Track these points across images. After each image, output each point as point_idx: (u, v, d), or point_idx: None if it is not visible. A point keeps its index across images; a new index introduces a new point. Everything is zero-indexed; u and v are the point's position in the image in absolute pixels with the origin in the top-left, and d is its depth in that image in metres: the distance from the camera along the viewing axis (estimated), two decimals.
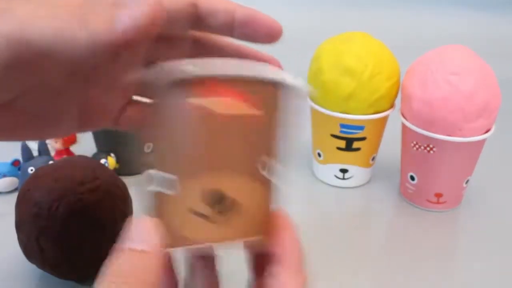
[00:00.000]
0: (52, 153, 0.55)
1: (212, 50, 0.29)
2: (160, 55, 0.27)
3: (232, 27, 0.26)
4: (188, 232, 0.24)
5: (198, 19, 0.26)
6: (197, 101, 0.23)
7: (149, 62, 0.27)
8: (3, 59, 0.20)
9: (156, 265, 0.22)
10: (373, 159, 0.56)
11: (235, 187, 0.24)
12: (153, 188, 0.24)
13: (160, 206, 0.24)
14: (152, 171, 0.24)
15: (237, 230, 0.25)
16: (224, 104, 0.23)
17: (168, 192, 0.23)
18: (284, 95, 0.25)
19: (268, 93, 0.24)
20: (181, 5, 0.25)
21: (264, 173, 0.26)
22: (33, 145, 0.59)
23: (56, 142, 0.54)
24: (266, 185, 0.26)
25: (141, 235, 0.23)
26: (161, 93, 0.23)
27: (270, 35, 0.27)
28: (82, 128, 0.28)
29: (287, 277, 0.24)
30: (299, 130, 0.26)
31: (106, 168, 0.40)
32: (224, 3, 0.26)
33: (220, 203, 0.24)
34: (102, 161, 0.52)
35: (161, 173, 0.23)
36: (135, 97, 0.29)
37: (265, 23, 0.27)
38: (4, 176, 0.52)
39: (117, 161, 0.54)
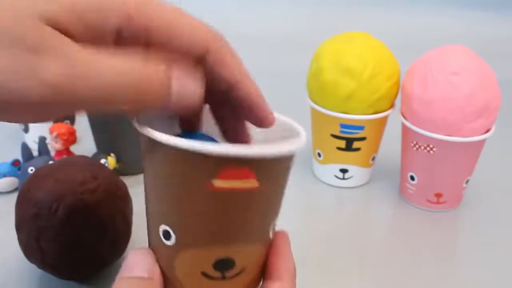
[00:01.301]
0: (52, 153, 0.55)
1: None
2: None
3: (229, 93, 0.26)
4: None
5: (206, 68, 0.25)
6: (217, 182, 0.23)
7: None
8: None
9: None
10: (373, 159, 0.56)
11: (246, 254, 0.25)
12: (170, 243, 0.25)
13: (171, 261, 0.25)
14: (167, 227, 0.25)
15: (242, 286, 0.26)
16: (241, 182, 0.23)
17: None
18: (292, 162, 0.26)
19: (282, 166, 0.25)
20: (188, 47, 0.24)
21: (271, 234, 0.27)
22: (33, 145, 0.59)
23: (56, 142, 0.54)
24: (269, 241, 0.27)
25: (139, 264, 0.24)
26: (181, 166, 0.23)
27: (258, 124, 0.27)
28: None
29: None
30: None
31: (106, 168, 0.40)
32: (231, 74, 0.25)
33: (231, 268, 0.25)
34: (102, 161, 0.52)
35: (175, 232, 0.24)
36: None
37: (260, 114, 0.26)
38: (4, 176, 0.52)
39: (117, 161, 0.54)
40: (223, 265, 0.25)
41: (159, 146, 0.23)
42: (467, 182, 0.52)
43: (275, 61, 0.95)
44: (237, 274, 0.25)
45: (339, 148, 0.54)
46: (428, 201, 0.52)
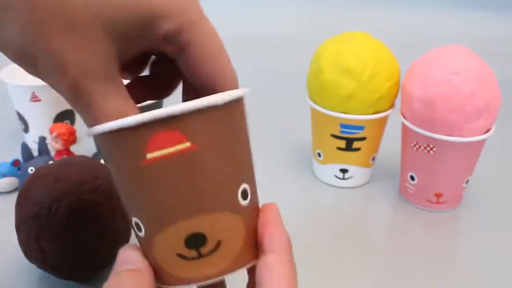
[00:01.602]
0: (52, 153, 0.55)
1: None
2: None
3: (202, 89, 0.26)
4: (181, 273, 0.24)
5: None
6: (150, 155, 0.22)
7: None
8: None
9: (148, 280, 0.24)
10: (373, 159, 0.56)
11: (216, 226, 0.24)
12: (141, 234, 0.24)
13: (150, 251, 0.25)
14: (136, 219, 0.24)
15: (228, 262, 0.24)
16: (172, 148, 0.22)
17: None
18: (238, 110, 0.24)
19: (215, 119, 0.23)
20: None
21: (246, 201, 0.25)
22: (33, 145, 0.59)
23: (56, 142, 0.54)
24: (248, 210, 0.25)
25: (129, 258, 0.25)
26: (113, 150, 0.23)
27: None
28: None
29: (279, 266, 0.24)
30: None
31: (106, 168, 0.40)
32: (207, 74, 0.25)
33: (203, 244, 0.24)
34: (102, 161, 0.52)
35: (142, 221, 0.24)
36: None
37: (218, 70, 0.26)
38: (4, 176, 0.52)
39: None
40: (194, 242, 0.23)
41: (99, 139, 0.24)
42: (467, 182, 0.52)
43: (275, 61, 0.95)
44: (214, 250, 0.24)
45: (339, 148, 0.54)
46: (428, 201, 0.52)
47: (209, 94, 0.25)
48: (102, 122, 0.23)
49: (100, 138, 0.24)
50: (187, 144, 0.22)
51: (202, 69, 0.25)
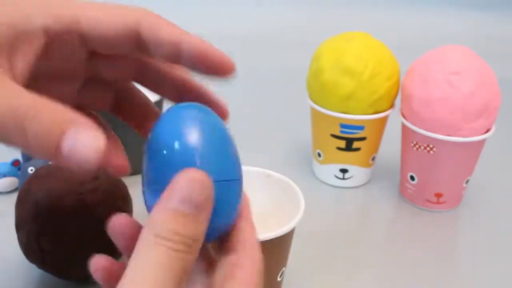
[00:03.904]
0: None
1: (157, 76, 0.28)
2: (100, 71, 0.27)
3: (178, 58, 0.25)
4: None
5: (141, 46, 0.24)
6: None
7: (88, 78, 0.27)
8: None
9: None
10: (373, 159, 0.56)
11: None
12: None
13: None
14: None
15: None
16: None
17: None
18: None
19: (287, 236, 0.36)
20: (121, 31, 0.24)
21: (280, 278, 0.37)
22: None
23: None
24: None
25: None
26: None
27: (220, 72, 0.25)
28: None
29: (246, 264, 0.24)
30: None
31: None
32: (169, 34, 0.24)
33: None
34: None
35: None
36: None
37: (215, 59, 0.25)
38: (4, 176, 0.52)
39: None
40: None
41: None
42: (467, 182, 0.52)
43: (275, 61, 0.95)
44: None
45: (339, 148, 0.54)
46: (428, 201, 0.52)
47: (176, 58, 0.25)
48: None
49: None
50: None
51: (162, 32, 0.24)
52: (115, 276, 0.25)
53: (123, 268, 0.22)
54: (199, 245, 0.22)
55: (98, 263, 0.26)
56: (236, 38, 1.02)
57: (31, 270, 0.41)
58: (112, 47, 0.25)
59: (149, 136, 0.24)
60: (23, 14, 0.23)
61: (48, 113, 0.20)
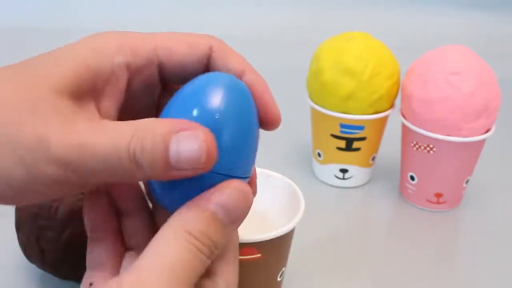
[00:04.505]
0: None
1: None
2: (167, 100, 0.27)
3: None
4: None
5: (206, 71, 0.25)
6: None
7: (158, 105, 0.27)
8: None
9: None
10: (373, 159, 0.56)
11: None
12: None
13: None
14: None
15: None
16: (247, 256, 0.33)
17: None
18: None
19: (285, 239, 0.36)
20: (196, 58, 0.25)
21: (280, 279, 0.37)
22: None
23: None
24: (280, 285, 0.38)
25: None
26: None
27: (265, 122, 0.26)
28: None
29: (225, 269, 0.24)
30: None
31: None
32: (236, 62, 0.25)
33: None
34: None
35: None
36: None
37: (267, 108, 0.26)
38: None
39: None
40: None
41: None
42: (467, 182, 0.52)
43: (275, 61, 0.95)
44: None
45: (339, 148, 0.54)
46: (428, 201, 0.52)
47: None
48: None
49: None
50: (258, 255, 0.34)
51: (230, 59, 0.25)
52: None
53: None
54: (217, 254, 0.22)
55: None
56: (236, 38, 1.02)
57: (31, 270, 0.41)
58: (186, 74, 0.25)
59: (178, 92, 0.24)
60: (101, 55, 0.23)
61: (147, 135, 0.20)
